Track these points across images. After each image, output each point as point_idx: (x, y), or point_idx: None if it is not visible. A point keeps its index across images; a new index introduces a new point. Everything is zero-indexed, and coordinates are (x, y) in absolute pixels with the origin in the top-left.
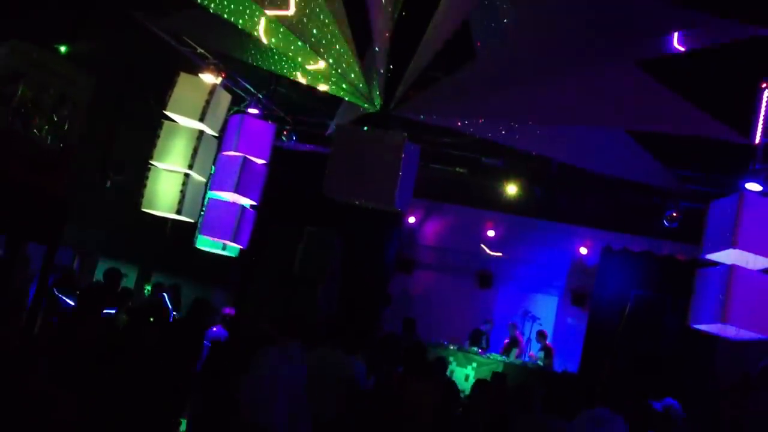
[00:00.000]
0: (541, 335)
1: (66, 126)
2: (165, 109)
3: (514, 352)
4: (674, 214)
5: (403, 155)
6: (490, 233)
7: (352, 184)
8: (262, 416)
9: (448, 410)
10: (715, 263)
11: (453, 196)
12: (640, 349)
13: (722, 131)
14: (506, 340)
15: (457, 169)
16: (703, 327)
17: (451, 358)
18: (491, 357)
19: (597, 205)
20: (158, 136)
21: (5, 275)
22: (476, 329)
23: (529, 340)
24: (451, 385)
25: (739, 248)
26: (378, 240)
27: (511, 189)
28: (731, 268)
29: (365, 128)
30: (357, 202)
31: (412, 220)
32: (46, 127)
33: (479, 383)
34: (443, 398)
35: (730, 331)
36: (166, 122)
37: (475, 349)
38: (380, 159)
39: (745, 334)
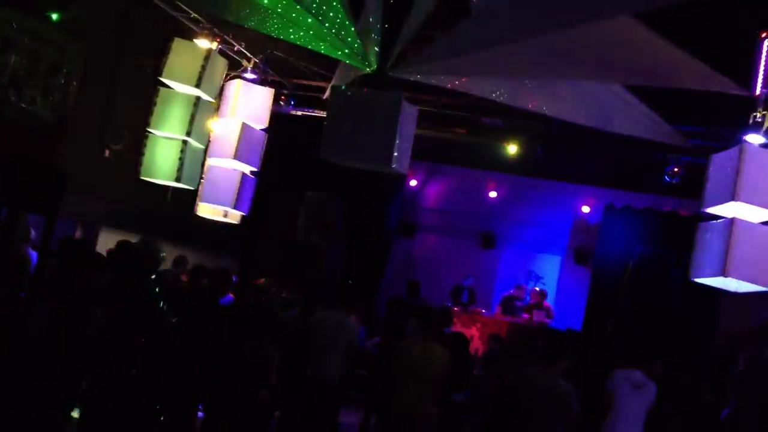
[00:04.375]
0: (540, 294)
1: (60, 95)
2: (160, 76)
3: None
4: (676, 170)
5: (400, 115)
6: (492, 194)
7: (349, 146)
8: (326, 370)
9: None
10: (717, 217)
11: (454, 158)
12: (644, 305)
13: (722, 84)
14: (531, 301)
15: (457, 130)
16: (705, 281)
17: (454, 320)
18: (495, 317)
19: (598, 163)
20: (155, 104)
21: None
22: (457, 284)
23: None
24: (458, 342)
25: (740, 201)
26: (380, 204)
27: (512, 149)
28: (732, 221)
29: (361, 90)
30: (355, 165)
31: (413, 183)
32: (40, 96)
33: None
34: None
35: (731, 284)
36: (162, 89)
37: (481, 311)
38: (377, 120)
39: (747, 287)
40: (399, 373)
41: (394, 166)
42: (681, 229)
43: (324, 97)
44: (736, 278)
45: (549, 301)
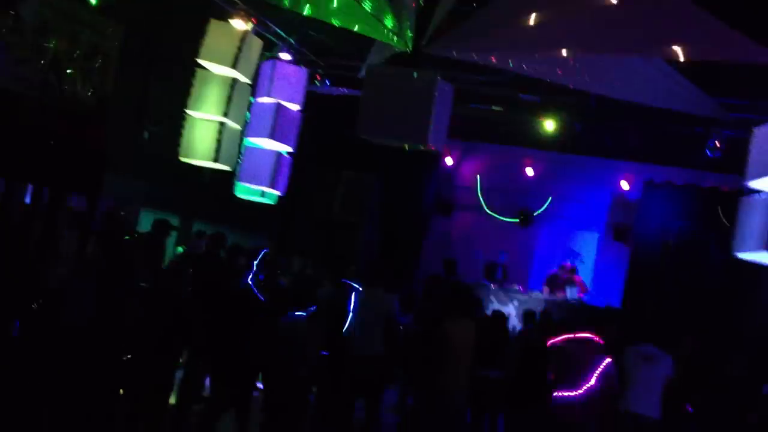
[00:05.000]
0: (571, 270)
1: (99, 78)
2: (197, 58)
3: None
4: (717, 144)
5: (435, 93)
6: (529, 171)
7: (385, 124)
8: (368, 348)
9: (488, 345)
10: (760, 191)
11: (490, 136)
12: (685, 282)
13: (765, 55)
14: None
15: (494, 107)
16: (747, 256)
17: (492, 297)
18: (531, 295)
19: (638, 139)
20: (192, 85)
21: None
22: (491, 261)
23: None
24: (497, 320)
25: None
26: (416, 182)
27: (549, 125)
28: None
29: (397, 68)
30: (391, 143)
31: (449, 161)
32: (80, 79)
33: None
34: (479, 334)
35: None
36: (199, 70)
37: (516, 287)
38: (412, 98)
39: None
40: (439, 353)
41: (430, 144)
42: (723, 205)
43: (359, 77)
44: None
45: (583, 277)
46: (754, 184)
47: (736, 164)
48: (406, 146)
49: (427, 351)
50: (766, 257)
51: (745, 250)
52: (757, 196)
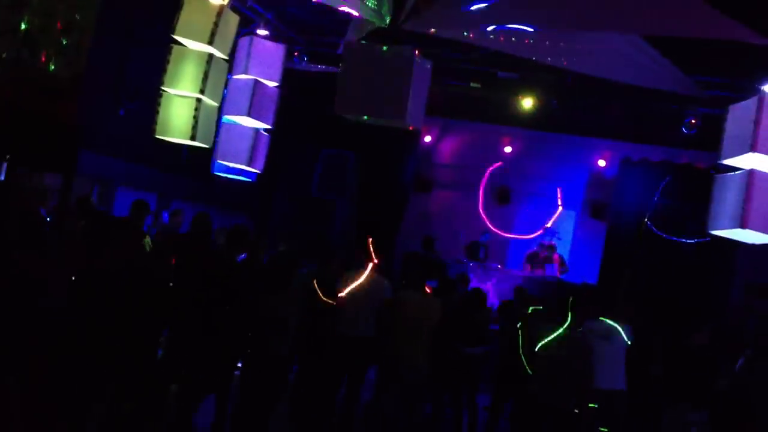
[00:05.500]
0: (549, 247)
1: (74, 53)
2: (173, 33)
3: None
4: (693, 121)
5: (413, 70)
6: (507, 149)
7: (362, 101)
8: (355, 329)
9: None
10: (734, 168)
11: (469, 113)
12: (661, 258)
13: (741, 33)
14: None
15: (472, 84)
16: (722, 233)
17: (471, 275)
18: (510, 272)
19: (614, 116)
20: (168, 61)
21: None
22: (474, 241)
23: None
24: (476, 297)
25: (759, 152)
26: (395, 160)
27: (527, 103)
28: (750, 173)
29: (374, 45)
30: (368, 120)
31: (428, 139)
32: (54, 55)
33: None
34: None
35: (749, 236)
36: (174, 46)
37: (498, 265)
38: (390, 75)
39: (765, 239)
40: (388, 325)
41: (408, 121)
42: (697, 181)
43: (338, 53)
44: (754, 230)
45: (561, 253)
46: (729, 162)
47: (712, 141)
48: (384, 122)
49: (381, 323)
50: (740, 234)
51: (719, 228)
52: (731, 174)
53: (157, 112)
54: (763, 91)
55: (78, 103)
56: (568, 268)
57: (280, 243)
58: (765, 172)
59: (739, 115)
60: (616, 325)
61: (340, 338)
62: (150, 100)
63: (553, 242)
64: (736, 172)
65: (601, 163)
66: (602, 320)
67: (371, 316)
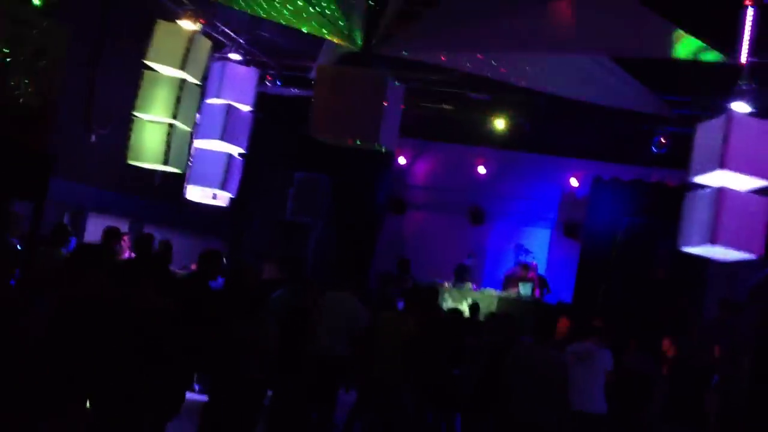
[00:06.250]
0: (525, 268)
1: (45, 79)
2: (144, 59)
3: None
4: (662, 140)
5: (386, 93)
6: (481, 169)
7: (336, 123)
8: (331, 348)
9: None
10: (704, 186)
11: (442, 134)
12: (634, 275)
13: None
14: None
15: (444, 105)
16: (693, 250)
17: (446, 295)
18: (485, 292)
19: (586, 136)
20: (140, 87)
21: None
22: (460, 264)
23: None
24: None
25: (727, 169)
26: (369, 182)
27: (500, 123)
28: (719, 190)
29: (347, 68)
30: (343, 143)
31: (402, 160)
32: (26, 81)
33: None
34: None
35: (719, 252)
36: (146, 72)
37: (469, 285)
38: (363, 97)
39: (734, 255)
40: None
41: (381, 143)
42: (668, 199)
43: (310, 76)
44: (724, 246)
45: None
46: (699, 179)
47: (681, 159)
48: (358, 142)
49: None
50: (710, 251)
51: (690, 245)
52: (701, 191)
53: (129, 138)
54: (731, 110)
55: (50, 130)
56: (551, 290)
57: (264, 265)
58: (734, 189)
59: (707, 133)
60: (599, 348)
61: (313, 359)
62: (121, 125)
63: (534, 262)
64: (706, 190)
65: (574, 182)
66: (586, 343)
67: (346, 336)
